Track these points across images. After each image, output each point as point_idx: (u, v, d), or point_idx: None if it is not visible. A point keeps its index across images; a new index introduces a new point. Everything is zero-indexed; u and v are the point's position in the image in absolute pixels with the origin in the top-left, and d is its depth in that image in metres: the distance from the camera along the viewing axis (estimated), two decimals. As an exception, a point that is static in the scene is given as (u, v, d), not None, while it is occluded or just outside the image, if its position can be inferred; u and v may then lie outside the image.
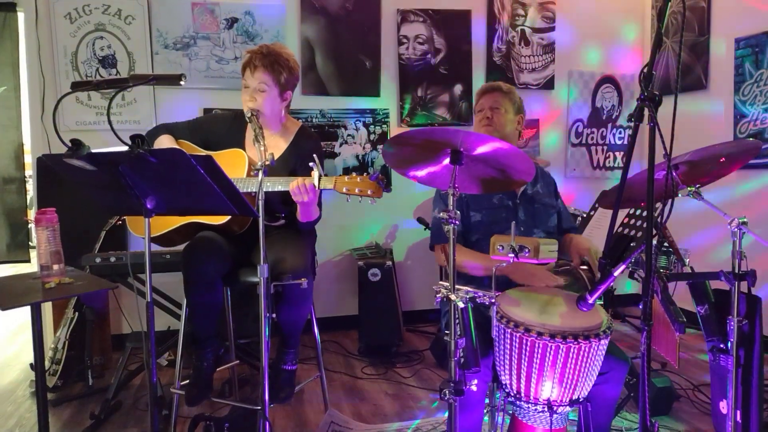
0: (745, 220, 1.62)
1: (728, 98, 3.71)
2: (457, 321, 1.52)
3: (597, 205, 3.12)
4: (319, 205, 2.21)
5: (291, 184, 2.03)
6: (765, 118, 3.47)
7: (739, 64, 3.63)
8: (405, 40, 4.05)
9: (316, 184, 2.00)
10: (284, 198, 2.20)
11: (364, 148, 4.02)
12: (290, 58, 2.30)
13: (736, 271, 1.62)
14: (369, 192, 2.00)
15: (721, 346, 1.70)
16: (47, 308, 3.21)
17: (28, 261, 3.70)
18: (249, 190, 2.11)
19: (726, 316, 1.66)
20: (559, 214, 2.26)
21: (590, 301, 1.45)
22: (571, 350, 1.55)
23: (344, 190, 2.01)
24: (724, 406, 1.72)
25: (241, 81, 2.31)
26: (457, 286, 1.55)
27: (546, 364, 1.57)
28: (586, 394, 1.66)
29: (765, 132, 3.47)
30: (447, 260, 1.58)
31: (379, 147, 4.02)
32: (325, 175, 2.02)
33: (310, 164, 1.97)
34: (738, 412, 1.66)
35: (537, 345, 1.56)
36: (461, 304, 1.52)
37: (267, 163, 1.79)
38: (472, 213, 2.11)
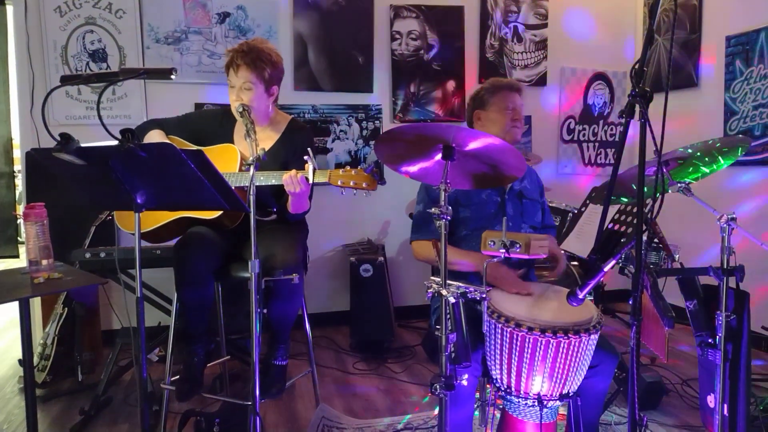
0: (734, 216, 1.63)
1: (719, 96, 3.73)
2: (448, 316, 1.53)
3: (588, 202, 3.13)
4: (310, 198, 2.20)
5: (284, 176, 2.02)
6: (755, 116, 3.50)
7: (729, 61, 3.65)
8: (398, 36, 4.04)
9: (310, 177, 2.00)
10: (275, 192, 2.20)
11: (356, 143, 4.02)
12: (272, 53, 2.26)
13: (725, 266, 1.63)
14: (363, 185, 2.00)
15: (710, 340, 1.71)
16: (36, 304, 3.19)
17: (17, 256, 3.67)
18: (242, 185, 2.10)
19: (714, 311, 1.68)
20: (543, 211, 2.29)
21: (580, 296, 1.46)
22: (561, 345, 1.56)
23: (339, 183, 2.00)
24: (711, 400, 1.74)
25: None
26: (448, 282, 1.55)
27: (536, 358, 1.58)
28: (576, 388, 1.67)
29: (754, 129, 3.50)
30: (438, 255, 1.57)
31: (372, 143, 4.02)
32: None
33: (305, 158, 1.96)
34: (725, 406, 1.67)
35: (527, 340, 1.57)
36: (452, 300, 1.53)
37: (259, 157, 1.78)
38: (461, 208, 2.11)
